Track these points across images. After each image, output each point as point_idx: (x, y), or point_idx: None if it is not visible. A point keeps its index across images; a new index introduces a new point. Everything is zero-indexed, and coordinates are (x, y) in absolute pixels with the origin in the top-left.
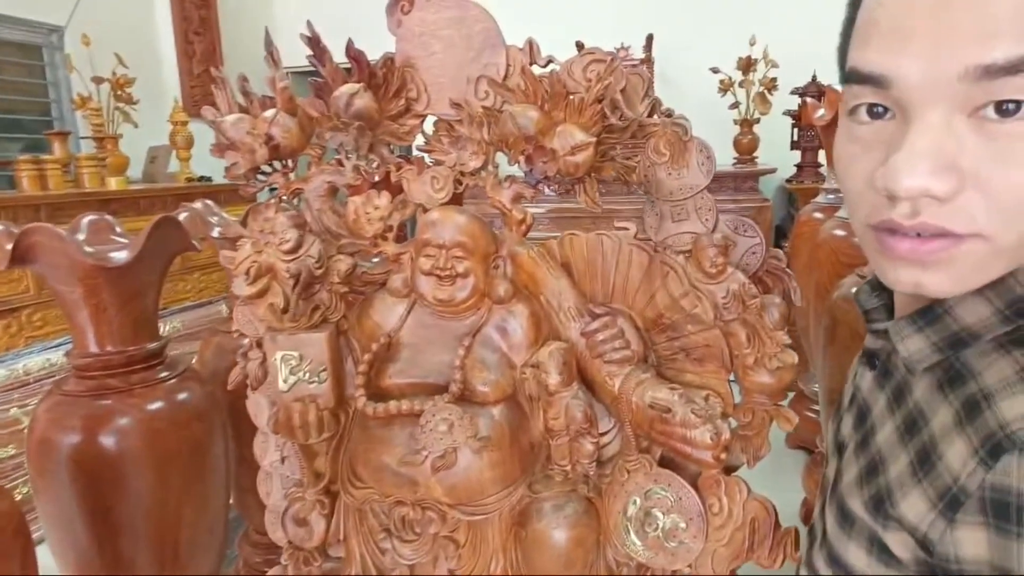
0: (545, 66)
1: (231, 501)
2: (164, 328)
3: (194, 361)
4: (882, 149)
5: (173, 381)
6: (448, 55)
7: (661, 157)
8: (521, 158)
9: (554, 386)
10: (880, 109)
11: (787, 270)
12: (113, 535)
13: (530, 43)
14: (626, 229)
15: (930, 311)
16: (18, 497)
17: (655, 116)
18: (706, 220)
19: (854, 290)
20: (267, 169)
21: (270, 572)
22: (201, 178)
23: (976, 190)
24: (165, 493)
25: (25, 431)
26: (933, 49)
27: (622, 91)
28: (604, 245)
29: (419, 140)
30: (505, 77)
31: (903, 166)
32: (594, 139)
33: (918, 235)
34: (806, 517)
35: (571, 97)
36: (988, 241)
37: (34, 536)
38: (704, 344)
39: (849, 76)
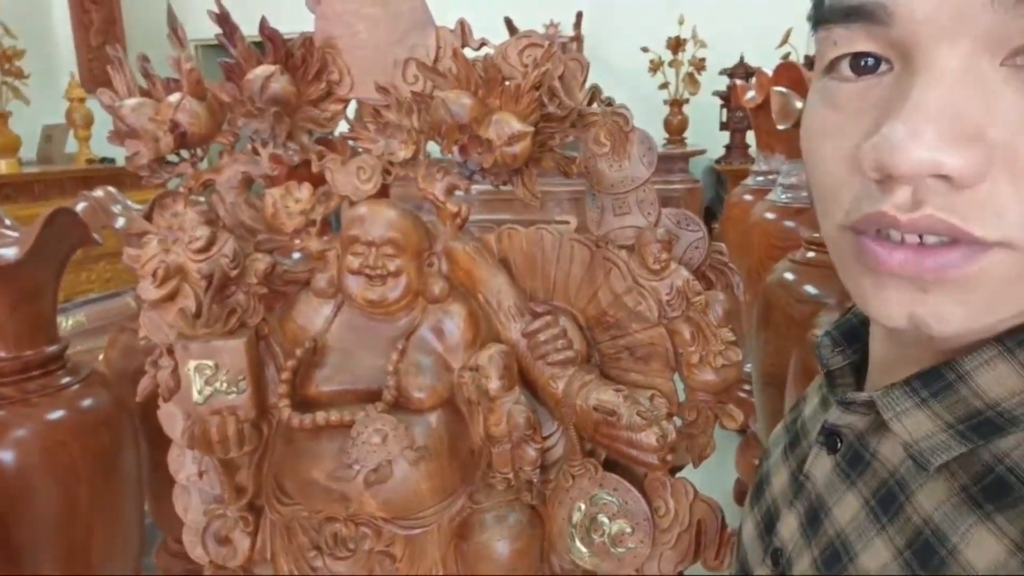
0: (478, 49)
1: (146, 509)
2: (67, 323)
3: (100, 359)
4: (871, 115)
5: (76, 387)
6: (372, 36)
7: (601, 148)
8: (455, 148)
9: (495, 391)
10: (871, 61)
11: (730, 265)
12: (14, 556)
13: (462, 24)
14: (567, 223)
15: (936, 376)
16: None
17: (595, 104)
18: (648, 214)
19: (815, 337)
20: (173, 159)
21: None
22: (103, 160)
23: (1007, 173)
24: (72, 508)
25: None
26: None
27: (560, 77)
28: (544, 240)
29: (343, 127)
30: (435, 60)
31: (904, 130)
32: (532, 129)
33: (920, 241)
34: (739, 497)
35: (507, 83)
36: (1020, 253)
37: None
38: (648, 342)
39: (829, 15)
